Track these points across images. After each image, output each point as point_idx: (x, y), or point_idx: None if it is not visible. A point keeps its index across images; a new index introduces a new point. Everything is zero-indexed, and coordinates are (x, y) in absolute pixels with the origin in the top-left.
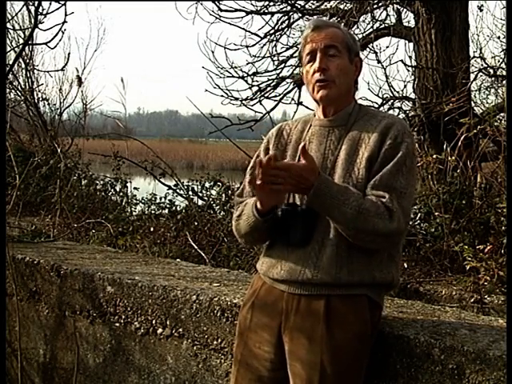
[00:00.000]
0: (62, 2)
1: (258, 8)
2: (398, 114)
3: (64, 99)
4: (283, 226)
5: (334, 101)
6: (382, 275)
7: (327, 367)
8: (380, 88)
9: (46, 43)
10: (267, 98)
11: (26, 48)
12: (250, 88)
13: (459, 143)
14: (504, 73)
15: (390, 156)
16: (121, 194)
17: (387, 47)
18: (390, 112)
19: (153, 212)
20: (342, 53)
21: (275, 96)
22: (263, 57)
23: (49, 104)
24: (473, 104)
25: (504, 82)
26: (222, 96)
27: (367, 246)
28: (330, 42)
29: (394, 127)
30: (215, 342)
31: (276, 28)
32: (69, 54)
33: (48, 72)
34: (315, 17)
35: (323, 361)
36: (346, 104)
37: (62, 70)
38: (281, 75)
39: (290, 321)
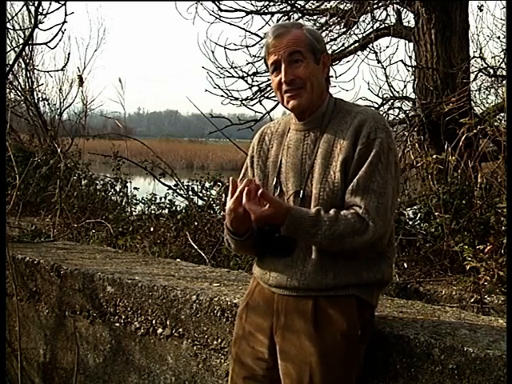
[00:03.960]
0: (62, 2)
1: (258, 8)
2: (398, 113)
3: (64, 99)
4: (265, 236)
5: (307, 107)
6: (370, 274)
7: (316, 367)
8: (380, 88)
9: (46, 43)
10: (267, 98)
11: (26, 48)
12: (250, 88)
13: (460, 143)
14: (504, 73)
15: (365, 155)
16: (121, 193)
17: (387, 47)
18: (390, 112)
19: (153, 212)
20: (306, 57)
21: (275, 96)
22: (263, 57)
23: (49, 104)
24: (473, 104)
25: (504, 81)
26: (221, 96)
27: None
28: (293, 49)
29: (367, 124)
30: (215, 342)
31: None
32: (69, 54)
33: (48, 72)
34: (314, 17)
35: (312, 361)
36: (319, 104)
37: (62, 70)
38: None
39: (281, 321)
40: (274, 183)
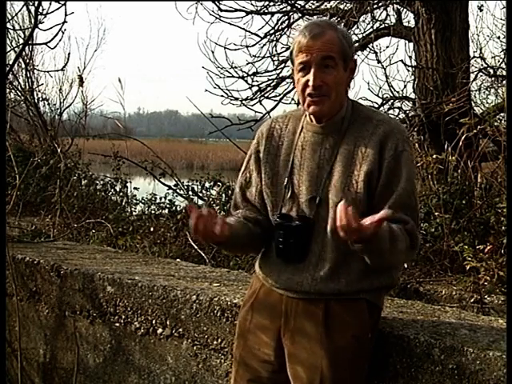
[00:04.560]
0: (62, 2)
1: (258, 8)
2: (398, 114)
3: (64, 99)
4: (278, 239)
5: (327, 114)
6: (381, 280)
7: (327, 370)
8: (380, 88)
9: (46, 43)
10: (267, 98)
11: (26, 48)
12: (250, 88)
13: (460, 143)
14: (504, 73)
15: (394, 168)
16: (121, 193)
17: (387, 47)
18: (390, 112)
19: (153, 212)
20: (338, 64)
21: (275, 96)
22: (263, 57)
23: (49, 104)
24: (473, 104)
25: (504, 81)
26: (221, 96)
27: None
28: (326, 54)
29: (393, 136)
30: (215, 342)
31: (276, 28)
32: (69, 54)
33: (48, 72)
34: (314, 17)
35: (323, 364)
36: (338, 109)
37: (62, 70)
38: (281, 75)
39: (290, 324)
40: (285, 183)
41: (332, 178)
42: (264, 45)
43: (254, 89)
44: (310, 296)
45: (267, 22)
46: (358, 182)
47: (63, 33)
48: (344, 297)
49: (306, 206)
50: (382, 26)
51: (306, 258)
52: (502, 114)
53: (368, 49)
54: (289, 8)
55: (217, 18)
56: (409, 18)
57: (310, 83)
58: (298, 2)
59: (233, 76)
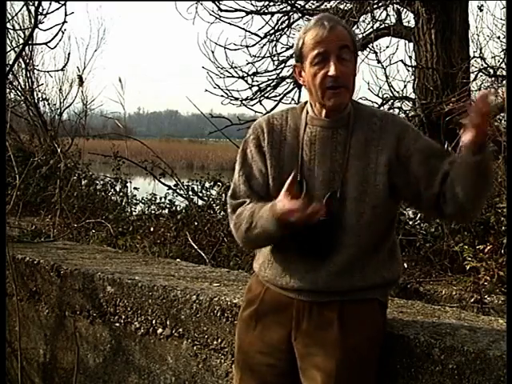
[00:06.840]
0: (62, 2)
1: (258, 8)
2: (398, 113)
3: (64, 99)
4: (302, 234)
5: (345, 106)
6: (389, 274)
7: (342, 372)
8: (380, 88)
9: (46, 43)
10: (267, 98)
11: (26, 48)
12: (250, 88)
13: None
14: (504, 73)
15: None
16: (121, 193)
17: (387, 47)
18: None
19: (153, 212)
20: (352, 55)
21: (275, 96)
22: (263, 57)
23: (49, 104)
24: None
25: (504, 81)
26: (221, 96)
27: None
28: (343, 43)
29: (406, 127)
30: (215, 342)
31: (276, 28)
32: (69, 54)
33: (48, 72)
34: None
35: (338, 366)
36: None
37: (62, 70)
38: (281, 75)
39: (302, 327)
40: (299, 179)
41: (348, 173)
42: (264, 45)
43: (254, 89)
44: (323, 298)
45: (267, 22)
46: (377, 175)
47: (63, 33)
48: (358, 296)
49: (325, 201)
50: (382, 26)
51: (329, 253)
52: (502, 114)
53: (368, 49)
54: (289, 8)
55: (217, 17)
56: (409, 18)
57: (331, 73)
58: (297, 2)
59: (233, 76)
